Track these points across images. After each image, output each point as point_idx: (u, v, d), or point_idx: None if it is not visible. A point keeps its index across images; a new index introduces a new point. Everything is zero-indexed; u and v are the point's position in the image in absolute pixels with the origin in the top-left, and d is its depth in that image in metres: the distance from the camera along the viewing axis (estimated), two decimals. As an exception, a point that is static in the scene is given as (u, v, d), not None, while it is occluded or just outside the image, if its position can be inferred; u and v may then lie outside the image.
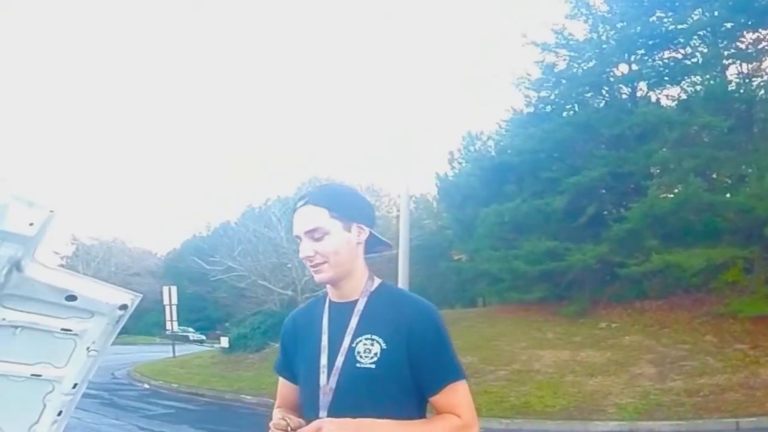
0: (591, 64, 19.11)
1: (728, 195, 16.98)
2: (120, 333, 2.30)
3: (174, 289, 29.34)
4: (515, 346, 15.49)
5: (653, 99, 19.38)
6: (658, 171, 17.83)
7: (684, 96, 18.77)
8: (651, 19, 18.19)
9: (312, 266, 2.00)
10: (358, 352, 1.93)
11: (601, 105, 19.63)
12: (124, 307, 2.19)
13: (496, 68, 47.54)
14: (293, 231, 2.04)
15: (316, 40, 72.75)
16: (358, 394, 1.90)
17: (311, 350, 2.03)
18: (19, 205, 1.77)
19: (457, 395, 1.93)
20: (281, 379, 2.25)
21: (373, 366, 1.91)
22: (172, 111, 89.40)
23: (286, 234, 24.60)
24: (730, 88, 17.04)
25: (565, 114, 19.81)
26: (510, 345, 15.65)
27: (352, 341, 1.95)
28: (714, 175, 18.10)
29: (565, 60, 19.86)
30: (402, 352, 1.91)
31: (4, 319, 2.06)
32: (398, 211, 25.37)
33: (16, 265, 1.90)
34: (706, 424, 10.31)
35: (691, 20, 17.59)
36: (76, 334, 2.19)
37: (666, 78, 18.87)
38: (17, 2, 79.63)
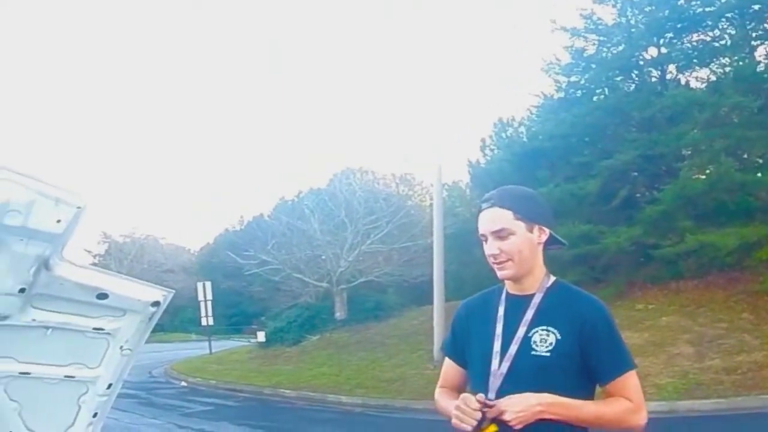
0: (620, 48, 18.99)
1: (759, 174, 17.01)
2: (156, 331, 2.31)
3: (208, 284, 29.43)
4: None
5: (683, 81, 19.24)
6: (689, 152, 17.73)
7: (713, 78, 18.72)
8: (679, 3, 18.11)
9: (496, 263, 2.18)
10: (534, 342, 2.10)
11: (631, 88, 19.51)
12: (156, 303, 2.21)
13: (526, 54, 47.12)
14: (479, 230, 2.21)
15: (346, 29, 72.61)
16: (529, 379, 2.05)
17: (484, 336, 2.20)
18: (46, 202, 1.75)
19: (628, 383, 2.13)
20: (447, 360, 2.44)
21: (548, 354, 2.08)
22: (204, 106, 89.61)
23: (319, 226, 24.67)
24: (758, 69, 17.05)
25: (595, 98, 19.74)
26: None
27: (527, 331, 2.13)
28: (745, 155, 17.99)
29: (594, 44, 19.78)
30: (575, 343, 2.09)
31: (34, 320, 2.05)
32: (431, 199, 25.38)
33: (45, 264, 1.89)
34: (746, 401, 10.31)
35: (719, 2, 17.54)
36: (108, 333, 2.21)
37: (695, 60, 18.77)
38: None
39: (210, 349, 28.79)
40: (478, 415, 2.01)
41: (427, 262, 20.90)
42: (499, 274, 2.19)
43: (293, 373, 19.44)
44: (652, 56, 19.02)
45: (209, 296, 29.06)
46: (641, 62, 19.17)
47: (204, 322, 29.46)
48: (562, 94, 20.85)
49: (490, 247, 2.17)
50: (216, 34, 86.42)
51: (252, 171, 79.66)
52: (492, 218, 2.16)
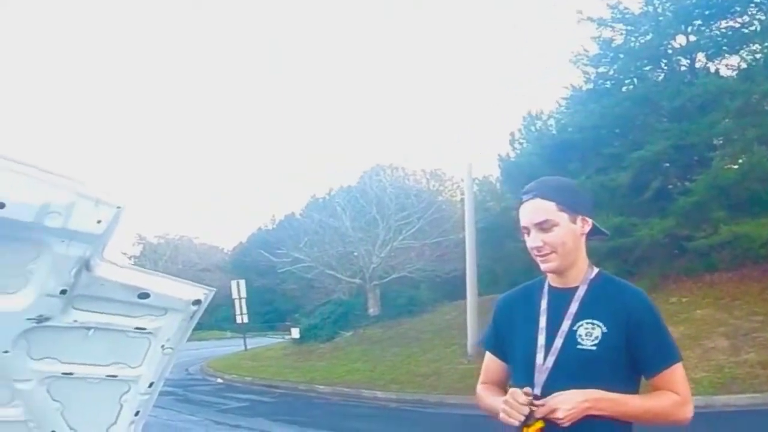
0: (648, 37, 18.72)
1: (794, 163, 16.59)
2: (194, 329, 2.32)
3: (242, 282, 29.66)
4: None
5: (712, 69, 18.87)
6: (721, 142, 17.41)
7: (744, 65, 18.34)
8: (707, -11, 17.82)
9: (540, 256, 2.14)
10: (580, 335, 2.08)
11: (660, 78, 19.22)
12: (197, 302, 2.21)
13: (554, 46, 46.77)
14: (521, 223, 2.17)
15: (374, 25, 72.67)
16: (574, 373, 2.04)
17: (528, 331, 2.17)
18: (86, 203, 1.76)
19: (675, 375, 2.09)
20: (488, 355, 2.42)
21: (594, 348, 2.05)
22: (234, 105, 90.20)
23: (351, 223, 24.77)
24: (790, 55, 16.65)
25: (624, 89, 19.49)
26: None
27: (572, 325, 2.10)
28: (778, 144, 17.66)
29: (621, 34, 19.50)
30: (622, 336, 2.06)
31: (75, 321, 2.07)
32: (462, 194, 25.29)
33: (86, 265, 1.90)
34: (783, 396, 10.13)
35: (747, -12, 17.21)
36: (150, 333, 2.22)
37: (725, 48, 18.40)
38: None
39: (245, 346, 29.12)
40: (526, 410, 2.00)
41: (459, 257, 20.88)
42: (543, 266, 2.16)
43: (328, 369, 19.55)
44: (680, 44, 18.73)
45: (243, 294, 29.29)
46: (670, 51, 18.86)
47: (239, 319, 29.70)
48: (590, 86, 20.57)
49: (533, 240, 2.13)
50: (245, 33, 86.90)
51: (282, 170, 79.94)
52: (534, 210, 2.13)
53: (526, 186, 2.22)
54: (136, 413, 2.41)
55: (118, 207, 1.80)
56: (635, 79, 19.48)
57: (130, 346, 2.23)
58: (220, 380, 21.49)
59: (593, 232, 2.20)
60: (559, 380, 2.04)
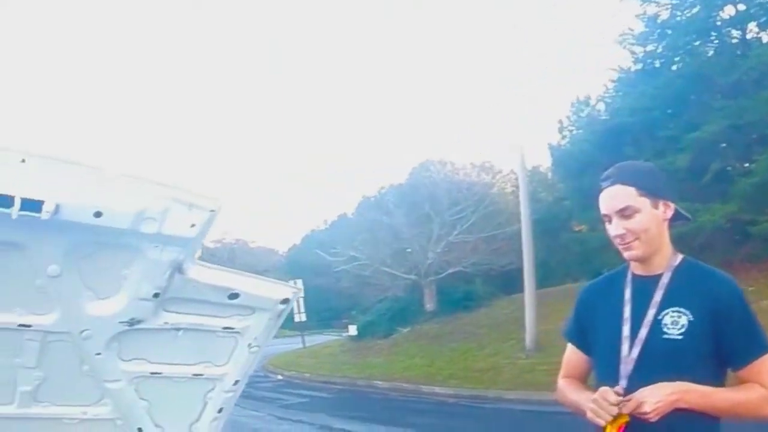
0: (695, 10, 17.98)
1: None
2: None
3: (300, 282, 29.95)
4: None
5: (765, 40, 18.11)
6: (781, 117, 16.82)
7: (799, 31, 17.54)
8: (754, -46, 17.08)
9: (622, 244, 2.07)
10: (665, 324, 2.00)
11: (712, 52, 18.50)
12: (285, 301, 2.27)
13: (598, 27, 45.82)
14: (601, 211, 2.12)
15: (420, 19, 72.38)
16: (661, 364, 1.97)
17: (611, 321, 2.11)
18: (180, 208, 1.80)
19: (765, 367, 1.98)
20: (570, 347, 2.36)
21: (680, 337, 1.97)
22: (280, 107, 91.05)
23: (404, 219, 24.76)
24: None
25: (674, 67, 18.81)
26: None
27: (657, 314, 2.02)
28: None
29: (667, 9, 18.73)
30: (708, 324, 1.97)
31: (166, 323, 2.13)
32: (512, 186, 25.01)
33: (178, 268, 1.95)
34: None
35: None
36: (237, 332, 2.26)
37: (777, 15, 17.66)
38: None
39: (303, 344, 29.56)
40: (615, 410, 1.93)
41: (514, 250, 20.68)
42: (626, 254, 2.09)
43: (385, 365, 19.61)
44: (729, 15, 17.90)
45: (301, 293, 29.57)
46: (719, 23, 18.09)
47: (297, 318, 30.00)
48: (639, 66, 19.99)
49: (615, 228, 2.06)
50: (292, 35, 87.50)
51: (330, 171, 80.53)
52: (615, 196, 2.06)
53: (605, 173, 2.15)
54: (220, 410, 2.49)
55: (212, 210, 1.84)
56: (685, 56, 18.78)
57: (217, 345, 2.29)
58: (280, 377, 21.92)
59: (676, 217, 2.14)
60: (645, 372, 1.97)
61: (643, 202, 2.03)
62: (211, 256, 51.03)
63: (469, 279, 26.33)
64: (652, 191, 2.06)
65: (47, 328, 2.00)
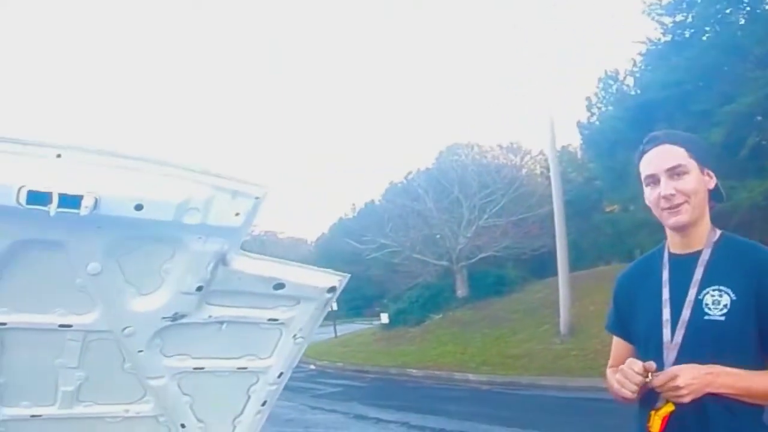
0: (725, -25, 17.62)
1: None
2: None
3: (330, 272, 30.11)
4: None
5: (799, 4, 17.66)
6: (819, 87, 16.30)
7: (834, -6, 16.97)
8: None
9: (670, 207, 1.94)
10: (706, 304, 1.87)
11: (744, 21, 17.93)
12: (332, 289, 2.20)
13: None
14: (646, 171, 2.00)
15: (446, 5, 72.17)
16: (705, 347, 1.85)
17: (651, 305, 1.99)
18: (223, 197, 1.73)
19: None
20: (615, 339, 2.23)
21: (723, 318, 1.85)
22: (306, 97, 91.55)
23: (434, 205, 24.60)
24: None
25: (705, 37, 18.29)
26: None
27: (698, 293, 1.90)
28: None
29: (696, -24, 18.45)
30: (752, 303, 1.84)
31: (210, 317, 2.07)
32: (542, 167, 24.66)
33: (222, 260, 1.89)
34: None
35: None
36: (282, 323, 2.21)
37: (811, -22, 17.07)
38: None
39: (335, 333, 29.56)
40: (638, 378, 1.83)
41: (546, 232, 20.45)
42: (672, 220, 1.94)
43: (418, 352, 19.59)
44: (761, -19, 17.56)
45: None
46: (750, -13, 17.69)
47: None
48: (668, 37, 19.29)
49: (665, 187, 1.92)
50: (325, 35, 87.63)
51: (356, 158, 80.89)
52: (665, 155, 1.94)
53: (649, 135, 2.07)
54: (263, 403, 2.43)
55: (257, 197, 1.77)
56: (716, 25, 18.22)
57: (261, 337, 2.24)
58: (312, 366, 21.92)
59: (713, 194, 2.04)
60: (690, 357, 1.84)
61: (693, 165, 1.93)
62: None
63: (501, 263, 26.20)
64: (701, 157, 1.97)
65: (88, 328, 1.96)
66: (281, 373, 2.36)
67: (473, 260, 24.92)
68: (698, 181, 1.93)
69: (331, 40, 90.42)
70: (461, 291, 24.87)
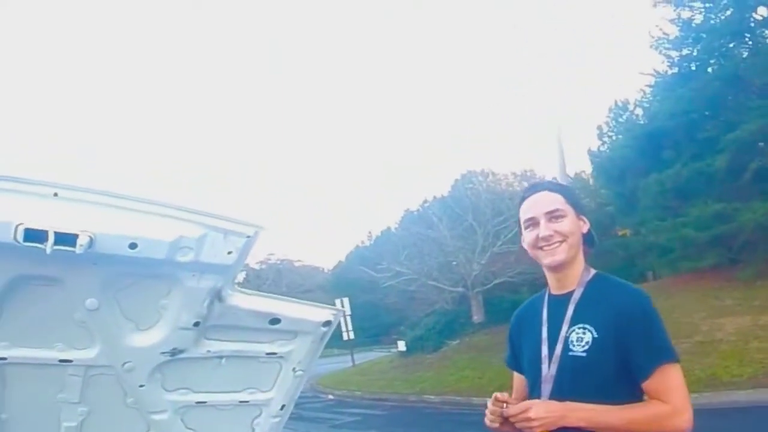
0: (728, 12, 18.15)
1: None
2: None
3: (346, 300, 30.05)
4: (694, 317, 14.81)
5: (798, 39, 18.17)
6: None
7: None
8: (784, -46, 17.15)
9: (548, 246, 2.09)
10: (571, 341, 2.01)
11: (746, 54, 18.57)
12: (327, 323, 2.24)
13: (632, 33, 45.57)
14: (526, 215, 2.15)
15: (456, 30, 72.58)
16: (572, 381, 1.98)
17: (533, 342, 2.15)
18: (216, 236, 1.79)
19: (667, 379, 1.92)
20: (515, 374, 2.40)
21: (584, 354, 1.97)
22: (319, 127, 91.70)
23: (449, 232, 24.80)
24: None
25: (710, 69, 18.99)
26: (688, 316, 14.93)
27: (567, 330, 2.04)
28: None
29: (701, 13, 19.05)
30: (612, 339, 1.95)
31: (208, 351, 2.12)
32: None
33: (218, 296, 1.94)
34: None
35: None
36: (281, 357, 2.25)
37: (809, 15, 17.64)
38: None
39: (352, 362, 29.49)
40: (494, 408, 2.01)
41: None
42: (549, 259, 2.10)
43: (436, 378, 19.52)
44: (762, 16, 17.99)
45: (348, 311, 29.70)
46: (752, 24, 18.21)
47: (345, 336, 30.09)
48: (675, 69, 20.13)
49: (544, 229, 2.08)
50: (333, 54, 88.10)
51: (372, 187, 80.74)
52: (545, 199, 2.12)
53: (528, 186, 2.30)
54: None
55: (248, 237, 1.84)
56: (720, 58, 18.89)
57: (261, 371, 2.28)
58: (330, 396, 21.83)
59: (585, 239, 2.18)
60: (561, 390, 2.00)
61: (570, 210, 2.10)
62: (256, 278, 51.27)
63: (515, 289, 26.24)
64: (576, 204, 2.15)
65: (89, 362, 2.00)
66: (283, 406, 2.40)
67: (488, 286, 24.96)
68: (574, 224, 2.10)
69: (343, 59, 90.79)
70: (477, 317, 24.92)
